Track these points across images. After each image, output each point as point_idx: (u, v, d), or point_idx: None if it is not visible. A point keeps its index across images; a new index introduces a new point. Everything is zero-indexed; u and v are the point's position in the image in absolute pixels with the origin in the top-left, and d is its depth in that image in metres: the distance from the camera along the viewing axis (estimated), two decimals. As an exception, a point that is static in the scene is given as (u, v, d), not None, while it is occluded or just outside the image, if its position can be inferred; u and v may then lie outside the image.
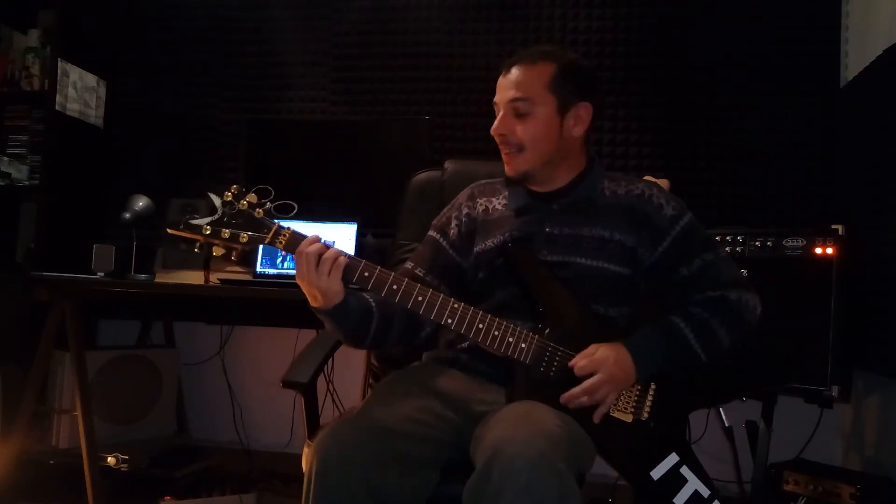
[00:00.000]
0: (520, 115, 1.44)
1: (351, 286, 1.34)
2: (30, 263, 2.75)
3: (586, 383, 1.33)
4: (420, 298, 1.33)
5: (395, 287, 1.33)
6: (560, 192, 1.51)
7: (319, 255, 1.29)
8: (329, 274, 1.29)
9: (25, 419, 2.33)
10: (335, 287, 1.31)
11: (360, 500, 1.22)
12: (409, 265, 1.56)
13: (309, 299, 1.35)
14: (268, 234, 1.32)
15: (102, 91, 3.00)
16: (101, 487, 2.29)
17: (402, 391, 1.42)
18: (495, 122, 1.48)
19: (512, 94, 1.44)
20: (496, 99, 1.49)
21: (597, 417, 1.34)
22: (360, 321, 1.41)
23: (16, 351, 2.50)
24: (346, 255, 1.32)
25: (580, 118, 1.47)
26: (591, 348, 1.36)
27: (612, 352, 1.35)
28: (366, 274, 1.32)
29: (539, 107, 1.44)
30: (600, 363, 1.34)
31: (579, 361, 1.35)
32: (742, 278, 1.49)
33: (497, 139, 1.49)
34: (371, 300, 1.43)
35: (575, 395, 1.33)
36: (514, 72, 1.46)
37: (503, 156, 1.50)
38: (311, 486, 1.22)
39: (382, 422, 1.30)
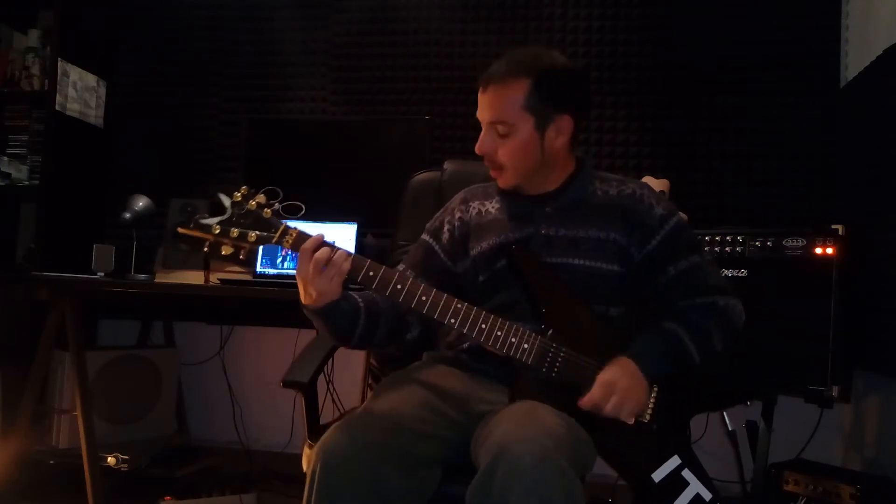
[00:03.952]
0: (501, 136, 1.45)
1: (353, 286, 1.34)
2: (30, 263, 2.74)
3: (608, 408, 1.32)
4: (424, 298, 1.33)
5: (399, 286, 1.33)
6: (552, 194, 1.52)
7: (328, 260, 1.28)
8: (332, 279, 1.29)
9: (25, 419, 2.33)
10: (334, 290, 1.31)
11: (364, 499, 1.22)
12: (400, 267, 1.55)
13: (301, 296, 1.34)
14: (275, 233, 1.32)
15: (102, 91, 3.00)
16: (101, 487, 2.29)
17: (404, 389, 1.42)
18: (478, 141, 1.49)
19: (489, 116, 1.46)
20: (477, 114, 1.50)
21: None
22: (348, 322, 1.40)
23: (16, 351, 2.50)
24: (351, 255, 1.31)
25: (561, 130, 1.46)
26: (601, 376, 1.34)
27: (622, 377, 1.34)
28: (370, 273, 1.32)
29: (517, 127, 1.43)
30: (612, 386, 1.33)
31: (594, 397, 1.33)
32: (727, 284, 1.50)
33: None
34: (360, 301, 1.42)
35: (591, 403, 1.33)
36: (490, 91, 1.45)
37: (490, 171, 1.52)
38: (314, 487, 1.22)
39: (386, 420, 1.30)
